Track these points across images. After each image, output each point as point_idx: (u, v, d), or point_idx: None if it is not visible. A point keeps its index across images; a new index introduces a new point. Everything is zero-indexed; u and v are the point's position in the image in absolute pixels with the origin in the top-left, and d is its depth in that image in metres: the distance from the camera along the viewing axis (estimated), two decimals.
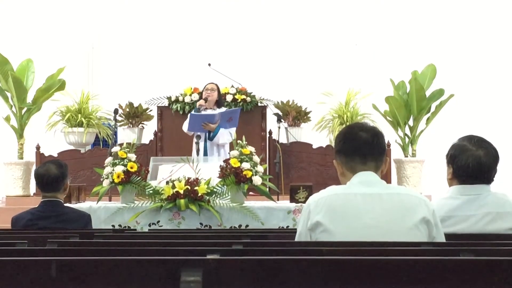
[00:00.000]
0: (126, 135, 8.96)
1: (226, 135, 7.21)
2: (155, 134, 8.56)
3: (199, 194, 5.33)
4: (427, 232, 2.50)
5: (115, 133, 8.92)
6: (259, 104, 8.41)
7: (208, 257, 1.90)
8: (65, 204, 4.24)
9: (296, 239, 2.63)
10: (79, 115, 8.94)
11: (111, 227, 5.19)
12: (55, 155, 8.37)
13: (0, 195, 9.10)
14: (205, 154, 7.12)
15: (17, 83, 8.31)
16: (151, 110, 9.01)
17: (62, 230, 3.64)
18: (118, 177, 5.44)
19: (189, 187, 5.33)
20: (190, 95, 8.30)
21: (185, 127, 7.36)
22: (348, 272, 1.82)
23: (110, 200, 6.16)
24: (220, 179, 5.49)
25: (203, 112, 7.27)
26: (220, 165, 5.54)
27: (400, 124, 8.74)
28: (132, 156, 5.58)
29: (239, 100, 8.26)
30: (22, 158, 8.61)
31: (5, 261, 1.83)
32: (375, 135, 2.61)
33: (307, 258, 1.88)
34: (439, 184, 5.12)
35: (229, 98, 8.25)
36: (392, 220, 2.47)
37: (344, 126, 7.50)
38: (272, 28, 10.82)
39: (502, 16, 10.64)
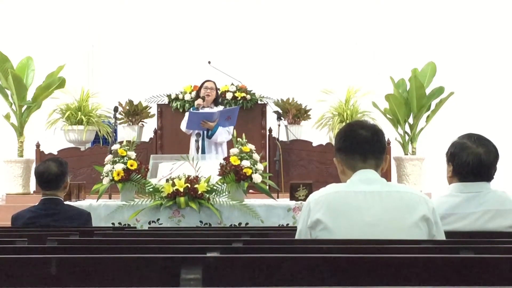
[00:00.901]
0: (126, 133, 8.94)
1: (224, 133, 7.20)
2: (155, 132, 8.55)
3: (199, 192, 5.33)
4: (427, 230, 2.50)
5: (115, 131, 8.91)
6: (259, 102, 8.39)
7: (208, 255, 1.90)
8: (65, 202, 4.24)
9: (296, 237, 2.63)
10: (79, 113, 8.94)
11: (111, 225, 5.19)
12: (55, 153, 8.36)
13: (0, 193, 9.10)
14: (203, 152, 7.11)
15: (17, 81, 8.31)
16: (151, 108, 9.01)
17: (62, 228, 3.64)
18: (118, 175, 5.44)
19: (189, 185, 5.33)
20: (190, 93, 8.29)
21: (183, 126, 7.34)
22: (348, 270, 1.81)
23: (110, 198, 6.17)
24: (219, 177, 5.49)
25: (201, 110, 7.26)
26: (220, 163, 5.54)
27: (400, 122, 8.74)
28: (132, 154, 5.58)
29: (239, 98, 8.24)
30: (22, 156, 8.61)
31: (5, 259, 1.82)
32: (375, 133, 2.60)
33: (307, 256, 1.88)
34: (439, 182, 5.11)
35: (229, 96, 8.24)
36: (392, 218, 2.47)
37: (344, 124, 7.48)
38: (272, 26, 10.82)
39: (502, 14, 10.63)
